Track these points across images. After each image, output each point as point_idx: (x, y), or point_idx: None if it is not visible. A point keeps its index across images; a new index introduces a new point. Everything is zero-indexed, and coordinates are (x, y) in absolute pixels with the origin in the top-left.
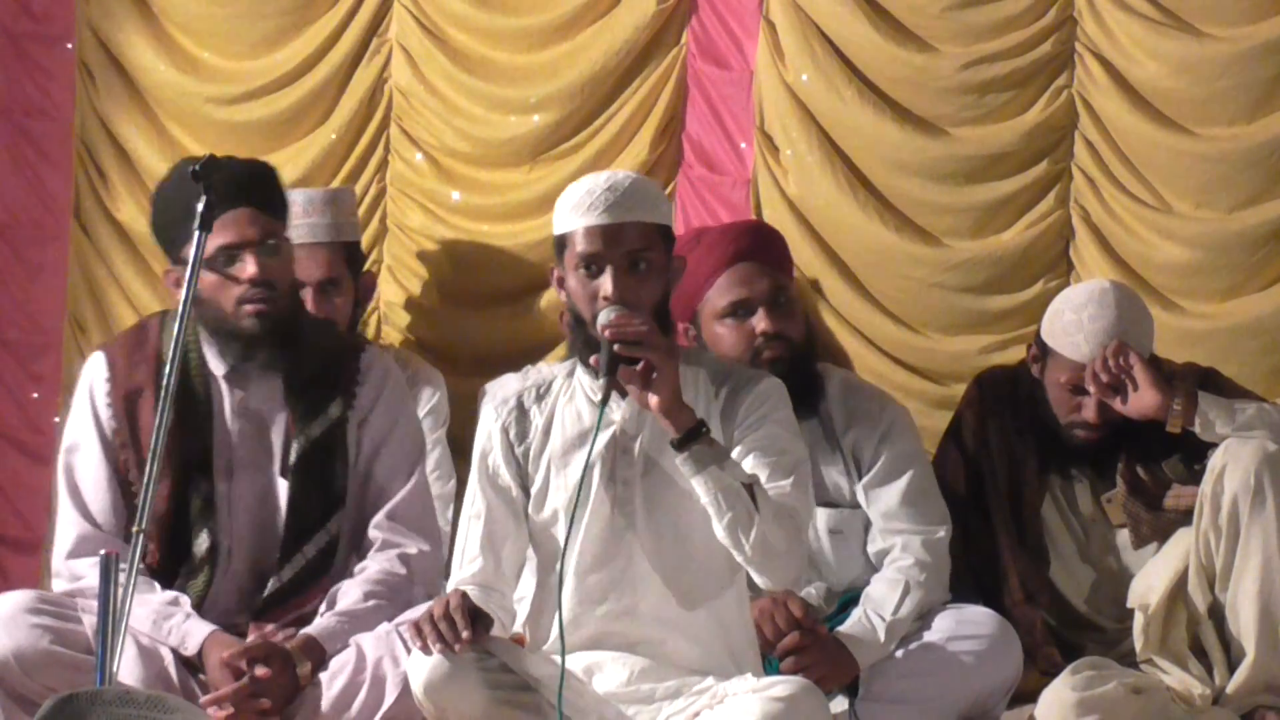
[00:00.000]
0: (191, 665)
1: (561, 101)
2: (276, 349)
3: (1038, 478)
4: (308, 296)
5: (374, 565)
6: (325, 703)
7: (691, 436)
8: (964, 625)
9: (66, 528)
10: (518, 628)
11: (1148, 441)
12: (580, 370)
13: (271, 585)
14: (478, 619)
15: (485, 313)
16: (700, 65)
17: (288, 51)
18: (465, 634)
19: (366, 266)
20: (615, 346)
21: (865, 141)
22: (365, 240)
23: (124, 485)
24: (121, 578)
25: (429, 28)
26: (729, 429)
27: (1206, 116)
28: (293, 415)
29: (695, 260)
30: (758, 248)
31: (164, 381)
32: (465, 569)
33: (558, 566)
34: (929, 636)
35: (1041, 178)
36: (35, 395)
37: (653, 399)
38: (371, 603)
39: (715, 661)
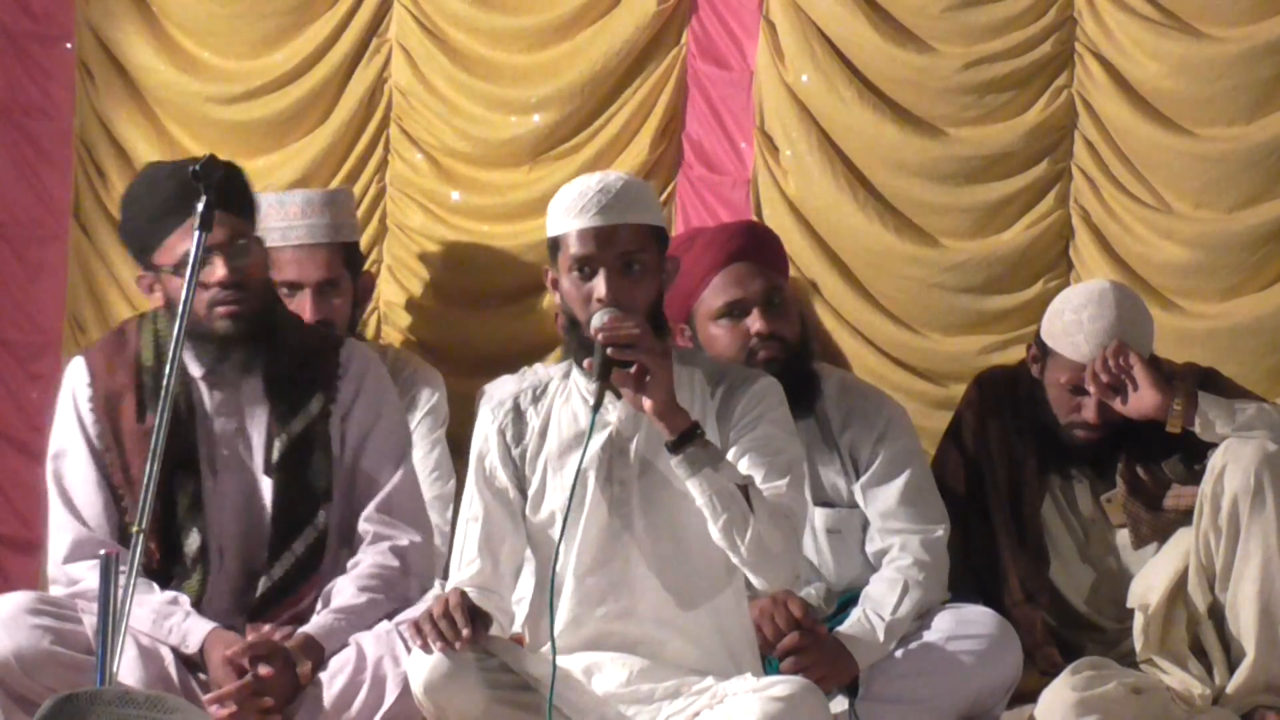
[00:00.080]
0: (192, 665)
1: (562, 101)
2: (251, 348)
3: (1038, 478)
4: (307, 297)
5: (367, 560)
6: (326, 702)
7: (686, 439)
8: (964, 625)
9: (60, 533)
10: (516, 628)
11: (1148, 442)
12: (576, 372)
13: (263, 584)
14: (477, 618)
15: (485, 313)
16: (700, 65)
17: (287, 51)
18: (465, 632)
19: (366, 267)
20: (608, 350)
21: (865, 142)
22: (365, 240)
23: (111, 488)
24: (121, 579)
25: (429, 28)
26: (725, 429)
27: (1206, 117)
28: (274, 413)
29: (690, 261)
30: (752, 248)
31: (144, 381)
32: (463, 571)
33: (553, 567)
34: (929, 636)
35: (1041, 178)
36: (35, 395)
37: (646, 401)
38: (366, 598)
39: (714, 661)
